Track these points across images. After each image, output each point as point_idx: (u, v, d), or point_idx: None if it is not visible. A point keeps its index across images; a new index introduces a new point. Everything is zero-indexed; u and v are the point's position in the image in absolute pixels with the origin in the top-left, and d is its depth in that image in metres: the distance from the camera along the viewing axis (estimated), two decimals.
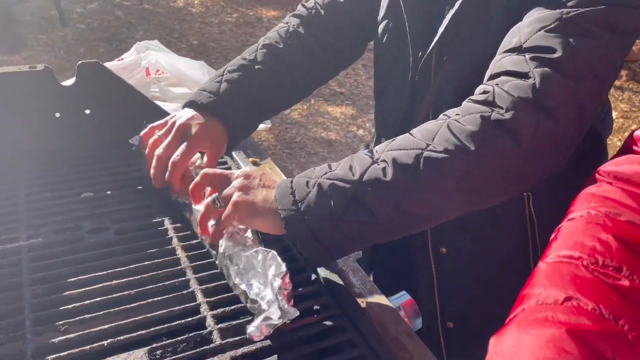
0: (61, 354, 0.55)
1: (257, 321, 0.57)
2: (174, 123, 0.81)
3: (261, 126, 1.11)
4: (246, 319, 0.61)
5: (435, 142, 0.62)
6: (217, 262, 0.68)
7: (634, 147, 0.52)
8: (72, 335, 0.58)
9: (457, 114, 0.64)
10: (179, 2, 5.30)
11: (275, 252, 0.61)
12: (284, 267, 0.59)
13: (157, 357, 0.56)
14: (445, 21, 0.75)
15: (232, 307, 0.63)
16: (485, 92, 0.64)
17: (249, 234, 0.67)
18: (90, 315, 0.60)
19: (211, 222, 0.68)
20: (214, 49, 4.41)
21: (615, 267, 0.42)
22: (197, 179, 0.70)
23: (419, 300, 0.86)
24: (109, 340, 0.57)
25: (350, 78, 3.95)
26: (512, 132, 0.61)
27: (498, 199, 0.66)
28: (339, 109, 3.55)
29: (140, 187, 0.86)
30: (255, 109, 0.87)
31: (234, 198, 0.65)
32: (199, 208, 0.71)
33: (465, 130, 0.61)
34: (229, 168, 0.93)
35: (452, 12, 0.74)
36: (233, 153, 0.96)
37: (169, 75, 1.07)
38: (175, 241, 0.74)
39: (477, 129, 0.61)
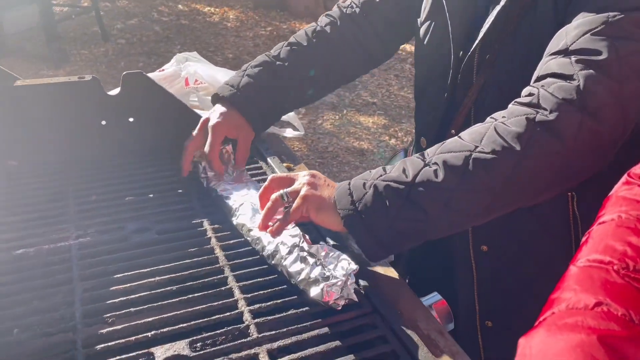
0: (109, 343, 0.59)
1: (321, 285, 0.62)
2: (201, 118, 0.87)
3: (294, 134, 1.15)
4: (281, 315, 0.64)
5: (483, 144, 0.65)
6: (263, 253, 0.72)
7: None
8: (118, 327, 0.61)
9: (503, 117, 0.67)
10: (214, 17, 5.43)
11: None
12: (354, 265, 0.64)
13: (198, 348, 0.59)
14: (490, 19, 0.77)
15: (268, 303, 0.66)
16: (530, 95, 0.67)
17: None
18: (135, 309, 0.64)
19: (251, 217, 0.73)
20: (249, 61, 4.50)
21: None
22: (266, 183, 0.74)
23: (458, 299, 0.88)
24: (152, 332, 0.61)
25: (382, 88, 3.97)
26: (556, 132, 0.63)
27: (543, 197, 0.68)
28: (371, 118, 3.56)
29: (180, 191, 0.90)
30: (273, 101, 0.92)
31: (303, 192, 0.69)
32: (246, 213, 0.77)
33: (512, 131, 0.64)
34: (264, 173, 0.97)
35: (497, 9, 0.75)
36: (268, 158, 0.99)
37: (207, 85, 1.12)
38: (213, 241, 0.77)
39: (523, 130, 0.64)
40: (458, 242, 0.87)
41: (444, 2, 0.83)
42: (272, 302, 0.66)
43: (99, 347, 0.59)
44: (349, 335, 0.62)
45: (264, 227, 0.72)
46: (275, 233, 0.70)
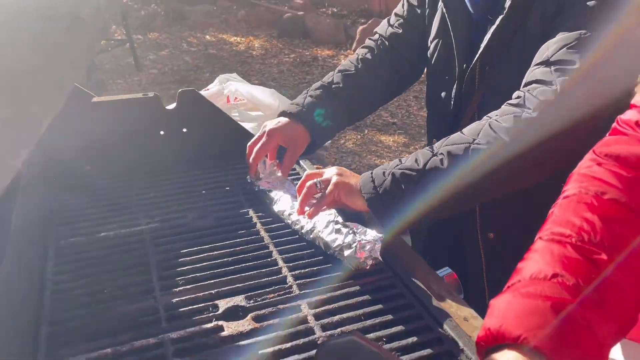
0: (184, 303, 0.74)
1: (354, 246, 0.78)
2: (264, 127, 1.03)
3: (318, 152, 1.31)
4: (317, 278, 0.78)
5: (480, 137, 0.81)
6: (302, 231, 0.87)
7: (620, 129, 0.64)
8: (188, 287, 0.77)
9: (496, 115, 0.83)
10: (240, 46, 5.70)
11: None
12: (380, 233, 0.80)
13: (252, 301, 0.74)
14: (488, 36, 0.92)
15: (306, 269, 0.80)
16: (518, 97, 0.83)
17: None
18: (201, 274, 0.79)
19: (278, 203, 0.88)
20: (274, 87, 4.73)
21: (597, 243, 0.52)
22: (302, 177, 0.91)
23: (468, 286, 1.00)
24: (215, 290, 0.76)
25: (402, 109, 4.13)
26: (538, 126, 0.78)
27: (533, 179, 0.83)
28: (392, 137, 3.72)
29: (228, 188, 1.06)
30: (331, 118, 1.07)
31: (334, 180, 0.86)
32: (285, 204, 0.93)
33: (502, 127, 0.80)
34: (297, 173, 1.12)
35: (493, 28, 0.91)
36: (300, 161, 1.15)
37: (246, 102, 1.29)
38: (258, 225, 0.93)
39: (511, 125, 0.80)
40: (466, 230, 1.01)
41: (449, 24, 0.99)
42: (309, 268, 0.81)
43: (177, 310, 0.73)
44: (373, 292, 0.76)
45: (301, 211, 0.88)
46: (312, 215, 0.86)
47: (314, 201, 0.88)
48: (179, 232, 0.91)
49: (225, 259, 0.83)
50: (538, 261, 0.53)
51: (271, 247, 0.87)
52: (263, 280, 0.79)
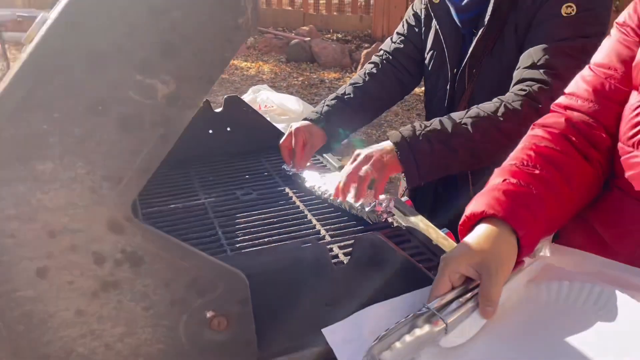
0: (246, 249, 0.98)
1: (374, 203, 1.02)
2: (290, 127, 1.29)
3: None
4: (344, 230, 1.02)
5: (499, 113, 1.08)
6: (330, 199, 1.12)
7: (553, 109, 0.90)
8: (246, 237, 1.01)
9: (508, 100, 1.09)
10: (251, 71, 6.01)
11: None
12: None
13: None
14: (472, 45, 1.19)
15: (335, 226, 1.04)
16: (523, 90, 1.09)
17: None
18: (254, 230, 1.04)
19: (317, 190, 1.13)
20: None
21: (533, 165, 0.79)
22: (344, 181, 1.08)
23: None
24: (267, 238, 1.00)
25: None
26: (519, 114, 1.06)
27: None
28: None
29: (266, 174, 1.31)
30: (345, 123, 1.33)
31: (371, 160, 1.07)
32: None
33: (515, 109, 1.07)
34: (324, 165, 1.37)
35: (475, 39, 1.18)
36: (325, 155, 1.39)
37: (276, 107, 1.55)
38: (294, 198, 1.17)
39: (521, 109, 1.07)
40: (463, 200, 1.26)
41: (442, 38, 1.25)
42: (337, 224, 1.05)
43: (238, 247, 0.97)
44: (387, 238, 1.00)
45: (343, 197, 1.08)
46: (358, 198, 1.07)
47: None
48: (232, 204, 1.15)
49: (270, 220, 1.07)
50: (494, 177, 0.81)
51: (306, 212, 1.11)
52: (301, 234, 1.03)
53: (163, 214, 1.12)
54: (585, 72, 0.88)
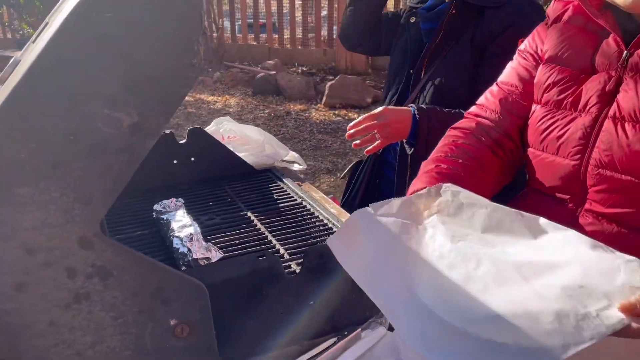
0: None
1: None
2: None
3: (299, 167, 1.65)
4: (303, 250, 1.10)
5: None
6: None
7: (466, 116, 1.09)
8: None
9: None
10: (217, 105, 6.10)
11: None
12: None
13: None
14: (430, 45, 1.43)
15: (294, 244, 1.12)
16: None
17: None
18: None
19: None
20: None
21: (455, 155, 0.98)
22: (359, 120, 1.41)
23: None
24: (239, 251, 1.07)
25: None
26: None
27: None
28: None
29: (229, 200, 1.39)
30: None
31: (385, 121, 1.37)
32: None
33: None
34: (282, 188, 1.45)
35: (434, 39, 1.43)
36: (285, 180, 1.48)
37: (238, 138, 1.63)
38: (256, 221, 1.25)
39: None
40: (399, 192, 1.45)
41: (408, 45, 1.52)
42: (296, 244, 1.13)
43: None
44: None
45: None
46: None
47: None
48: (201, 230, 1.22)
49: (232, 242, 1.15)
50: (425, 166, 1.01)
51: (267, 233, 1.18)
52: (260, 250, 1.10)
53: (130, 240, 1.18)
54: (494, 87, 1.09)
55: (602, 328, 0.52)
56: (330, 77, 6.47)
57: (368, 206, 0.76)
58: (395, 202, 0.79)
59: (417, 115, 1.35)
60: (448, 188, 0.82)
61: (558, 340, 0.52)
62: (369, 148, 1.44)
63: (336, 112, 5.78)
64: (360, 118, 1.38)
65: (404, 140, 1.42)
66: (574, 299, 0.56)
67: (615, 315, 0.54)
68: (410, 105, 1.41)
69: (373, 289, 0.66)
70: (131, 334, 0.68)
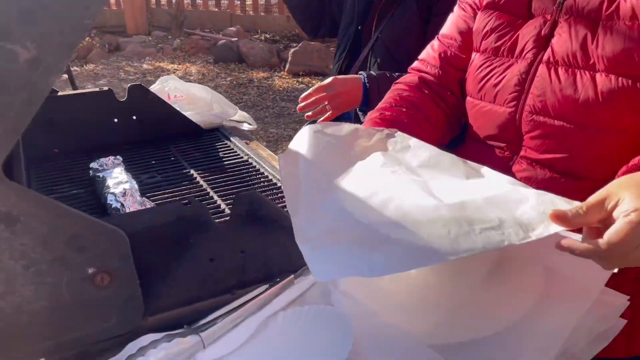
0: None
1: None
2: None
3: (249, 127, 1.61)
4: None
5: None
6: None
7: (410, 71, 1.10)
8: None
9: None
10: (178, 73, 5.93)
11: None
12: None
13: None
14: (378, 5, 1.44)
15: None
16: None
17: None
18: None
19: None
20: None
21: (400, 105, 0.99)
22: (309, 92, 1.40)
23: None
24: None
25: None
26: None
27: None
28: None
29: (173, 158, 1.35)
30: None
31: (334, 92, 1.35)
32: None
33: None
34: (228, 146, 1.42)
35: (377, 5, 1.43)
36: (232, 139, 1.44)
37: (185, 97, 1.58)
38: (199, 178, 1.22)
39: None
40: None
41: (356, 6, 1.51)
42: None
43: None
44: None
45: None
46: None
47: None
48: (140, 188, 1.18)
49: (171, 198, 1.11)
50: (370, 114, 1.01)
51: (208, 190, 1.16)
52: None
53: (65, 199, 1.13)
54: (434, 42, 1.07)
55: (479, 244, 0.56)
56: (294, 45, 6.36)
57: (317, 123, 0.81)
58: (345, 127, 0.82)
59: (367, 84, 1.33)
60: (400, 134, 0.83)
61: (445, 244, 0.56)
62: (321, 119, 1.41)
63: (299, 79, 5.70)
64: (310, 90, 1.35)
65: (357, 108, 1.41)
66: (465, 212, 0.60)
67: (495, 235, 0.57)
68: (360, 73, 1.39)
69: (294, 197, 0.69)
70: (46, 283, 0.65)
